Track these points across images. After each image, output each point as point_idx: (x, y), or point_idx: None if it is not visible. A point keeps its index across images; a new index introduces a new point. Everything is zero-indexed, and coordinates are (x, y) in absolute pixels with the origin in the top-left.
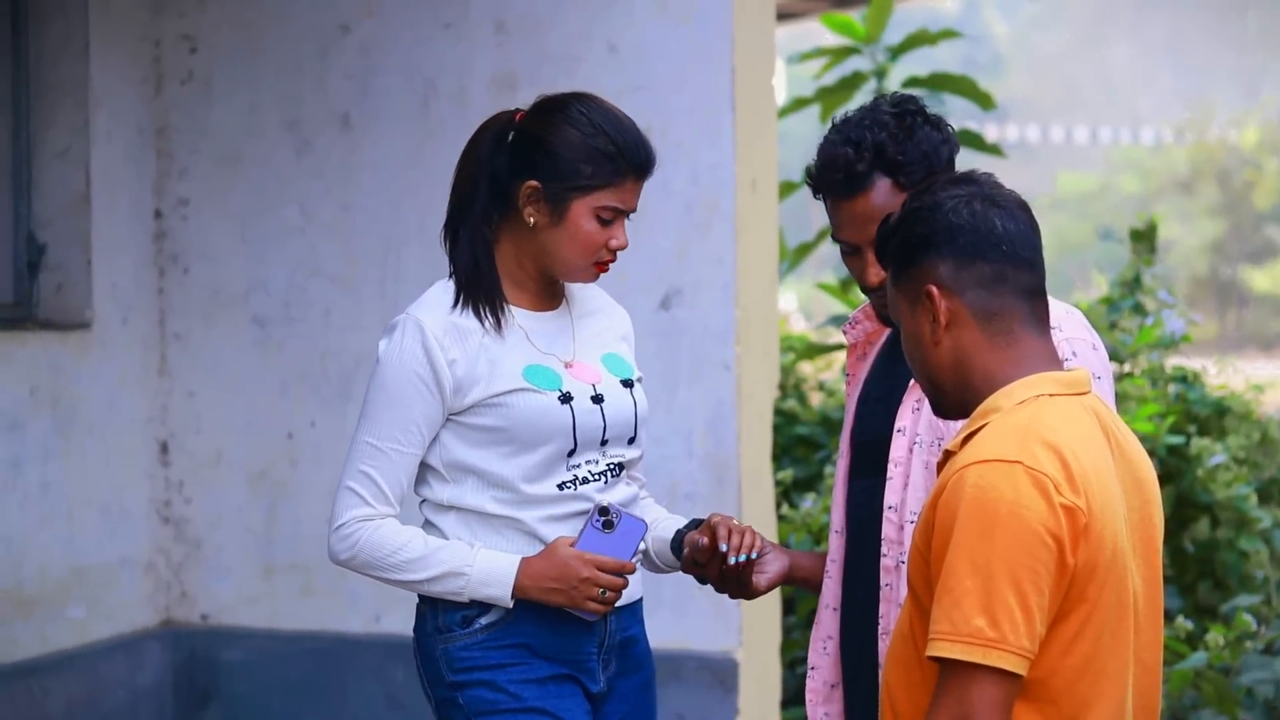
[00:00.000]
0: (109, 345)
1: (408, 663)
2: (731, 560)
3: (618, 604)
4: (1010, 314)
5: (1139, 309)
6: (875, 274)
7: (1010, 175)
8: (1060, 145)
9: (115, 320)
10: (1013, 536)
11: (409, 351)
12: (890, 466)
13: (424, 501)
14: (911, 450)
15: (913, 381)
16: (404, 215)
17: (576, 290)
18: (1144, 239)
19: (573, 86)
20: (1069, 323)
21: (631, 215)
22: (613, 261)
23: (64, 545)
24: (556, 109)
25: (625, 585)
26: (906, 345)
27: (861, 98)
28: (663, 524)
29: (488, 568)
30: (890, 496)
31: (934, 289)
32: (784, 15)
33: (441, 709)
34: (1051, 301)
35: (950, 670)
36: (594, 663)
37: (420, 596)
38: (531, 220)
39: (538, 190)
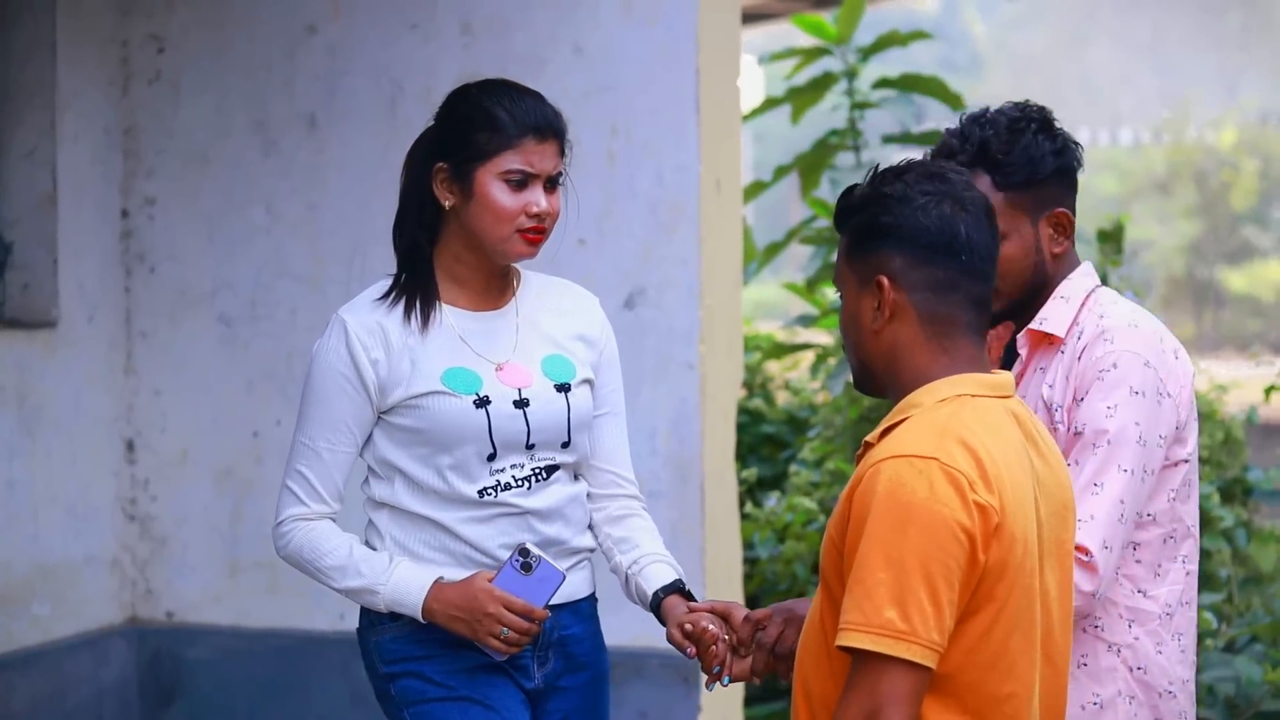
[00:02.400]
0: (75, 344)
1: None
2: (709, 689)
3: (555, 602)
4: (954, 320)
5: None
6: None
7: None
8: None
9: (81, 319)
10: (926, 531)
11: (334, 351)
12: None
13: (367, 498)
14: None
15: None
16: (371, 215)
17: (536, 289)
18: (1111, 239)
19: (538, 87)
20: (1125, 337)
21: (566, 185)
22: (540, 229)
23: (29, 543)
24: (455, 94)
25: (531, 630)
26: (843, 319)
27: (832, 98)
28: (648, 569)
29: (401, 588)
30: None
31: (885, 280)
32: (762, 16)
33: (380, 700)
34: (1121, 312)
35: (861, 661)
36: (527, 659)
37: None
38: (448, 203)
39: (444, 170)
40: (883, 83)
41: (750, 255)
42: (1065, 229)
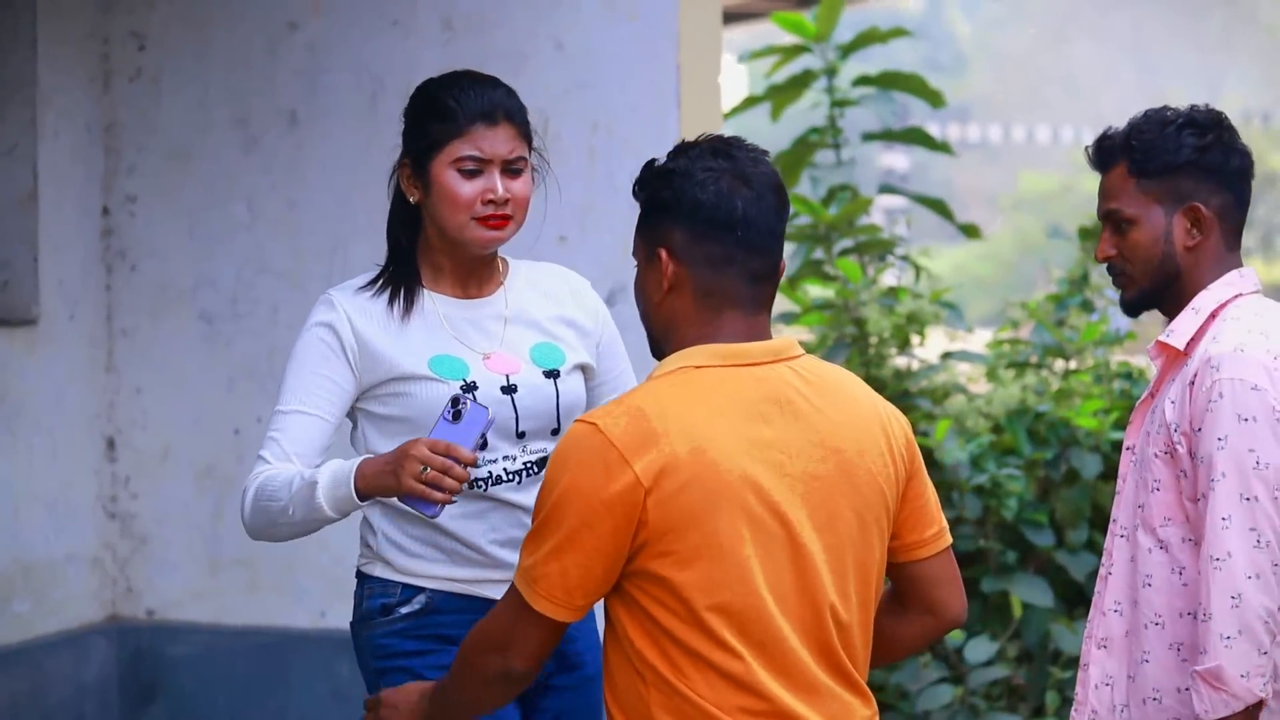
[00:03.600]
0: (56, 341)
1: (353, 658)
2: None
3: None
4: (727, 295)
5: (1086, 306)
6: (1102, 250)
7: (972, 175)
8: (1022, 145)
9: (62, 316)
10: (577, 493)
11: (317, 319)
12: (1119, 481)
13: None
14: (1130, 465)
15: (1140, 399)
16: (351, 212)
17: (525, 276)
18: (1093, 237)
19: (519, 84)
20: (1230, 363)
21: (530, 171)
22: (501, 215)
23: (10, 540)
24: (416, 90)
25: (455, 470)
26: (636, 289)
27: (812, 96)
28: None
29: (332, 472)
30: (1114, 510)
31: (664, 253)
32: (744, 15)
33: (370, 692)
34: (1233, 333)
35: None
36: None
37: (357, 581)
38: (414, 198)
39: (407, 166)
40: (862, 80)
41: None
42: (1202, 225)
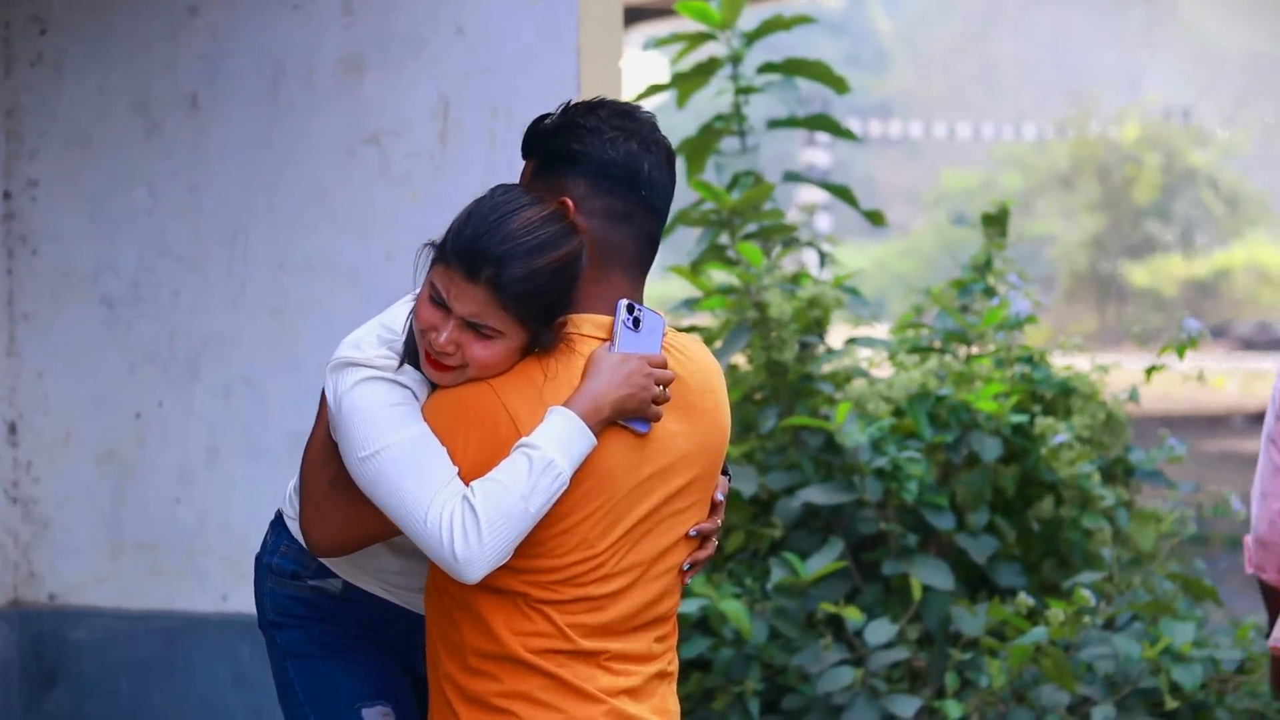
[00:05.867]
0: None
1: (255, 641)
2: None
3: None
4: (620, 252)
5: (990, 292)
6: None
7: (895, 172)
8: (943, 141)
9: None
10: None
11: None
12: None
13: None
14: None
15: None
16: (253, 196)
17: None
18: (995, 223)
19: (420, 68)
20: None
21: (480, 327)
22: (443, 361)
23: None
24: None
25: (674, 378)
26: None
27: (717, 83)
28: None
29: (556, 439)
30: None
31: (569, 202)
32: (659, 11)
33: (264, 635)
34: None
35: None
36: (419, 654)
37: (276, 527)
38: None
39: None
40: (767, 67)
41: None
42: None
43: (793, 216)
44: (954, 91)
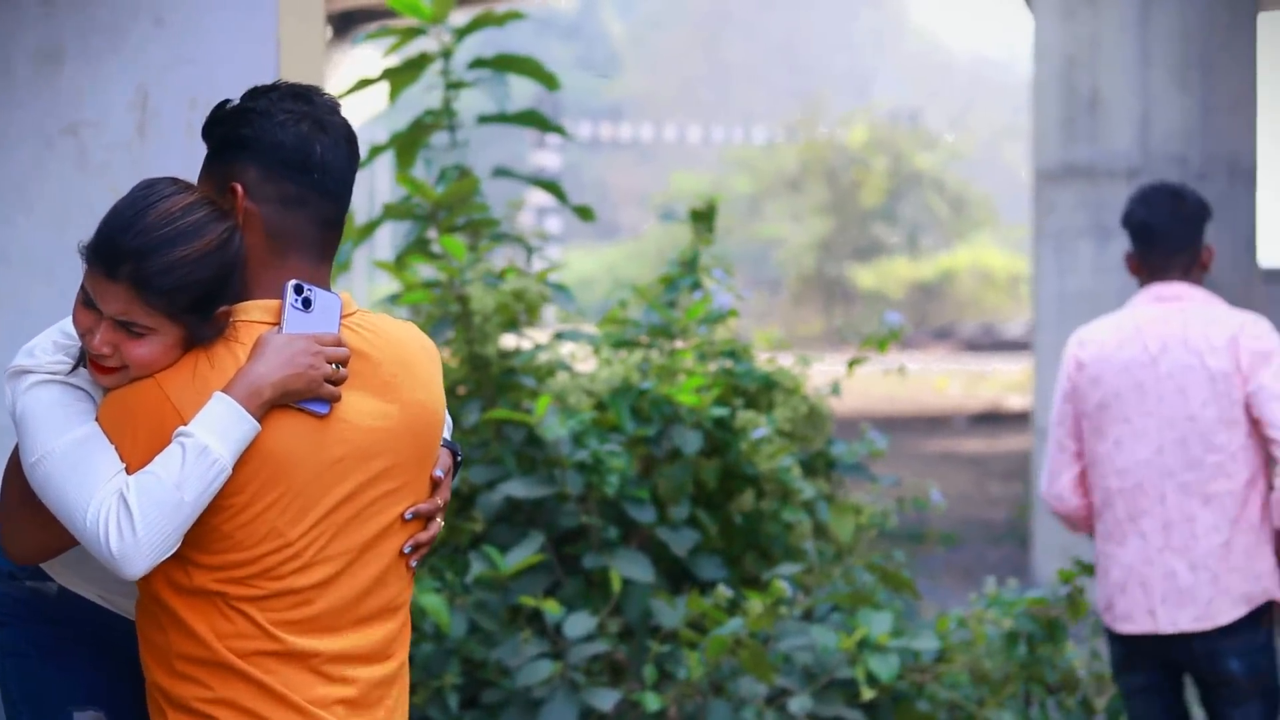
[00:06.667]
0: None
1: None
2: None
3: None
4: (297, 237)
5: (696, 286)
6: None
7: (625, 175)
8: (674, 144)
9: None
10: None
11: None
12: None
13: None
14: None
15: None
16: None
17: None
18: (703, 219)
19: (120, 60)
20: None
21: (131, 326)
22: (102, 363)
23: None
24: None
25: (349, 356)
26: None
27: (428, 79)
28: None
29: (219, 429)
30: None
31: (239, 188)
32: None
33: None
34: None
35: None
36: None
37: None
38: None
39: None
40: (477, 63)
41: (347, 233)
42: None
43: (527, 217)
44: (685, 95)
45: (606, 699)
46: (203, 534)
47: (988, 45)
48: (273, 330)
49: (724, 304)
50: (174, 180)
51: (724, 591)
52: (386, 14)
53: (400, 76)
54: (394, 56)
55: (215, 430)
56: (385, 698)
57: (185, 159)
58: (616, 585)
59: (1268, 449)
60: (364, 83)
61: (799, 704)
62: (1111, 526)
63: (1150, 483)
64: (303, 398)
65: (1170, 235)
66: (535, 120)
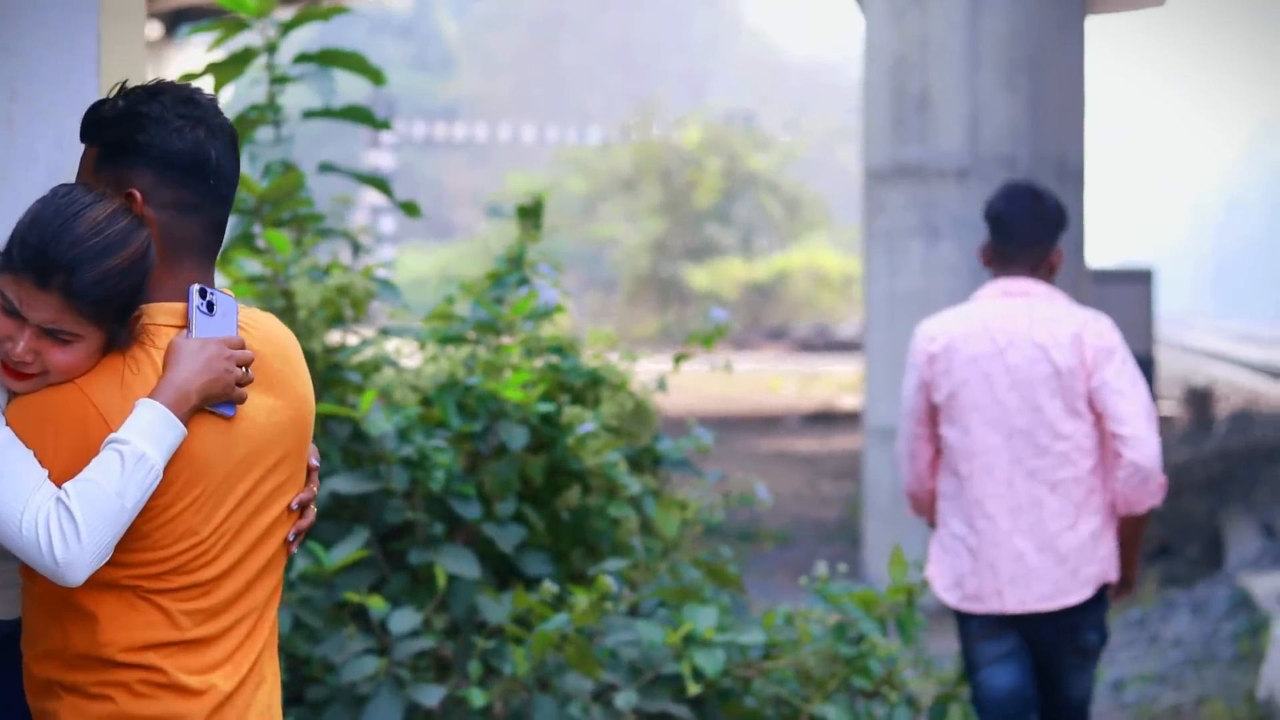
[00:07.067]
0: None
1: None
2: None
3: None
4: (191, 241)
5: (523, 283)
6: None
7: (460, 175)
8: (509, 145)
9: None
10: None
11: None
12: None
13: None
14: None
15: None
16: None
17: None
18: (530, 215)
19: None
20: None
21: (62, 337)
22: (21, 369)
23: None
24: None
25: (254, 358)
26: None
27: (253, 73)
28: None
29: (142, 429)
30: None
31: (137, 194)
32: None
33: None
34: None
35: None
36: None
37: None
38: None
39: None
40: (302, 58)
41: None
42: None
43: (362, 216)
44: (520, 95)
45: (432, 695)
46: (123, 535)
47: (823, 47)
48: (183, 335)
49: (550, 300)
50: (85, 186)
51: (550, 587)
52: (219, 13)
53: (225, 71)
54: (219, 51)
55: (149, 436)
56: (259, 693)
57: (7, 151)
58: (442, 581)
59: (1111, 441)
60: (188, 77)
61: (625, 699)
62: (960, 510)
63: (999, 468)
64: (217, 401)
65: (1024, 231)
66: (360, 115)
